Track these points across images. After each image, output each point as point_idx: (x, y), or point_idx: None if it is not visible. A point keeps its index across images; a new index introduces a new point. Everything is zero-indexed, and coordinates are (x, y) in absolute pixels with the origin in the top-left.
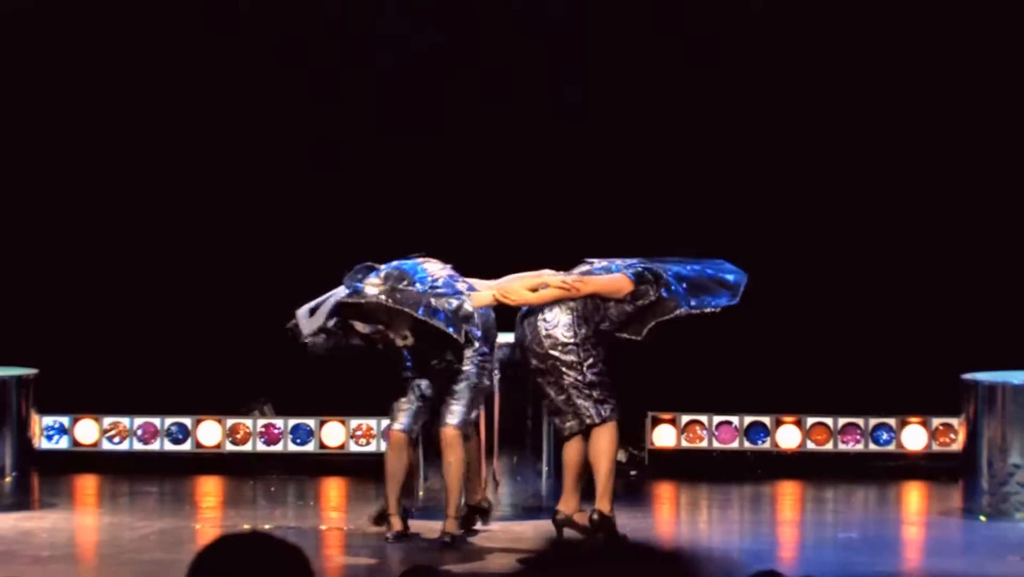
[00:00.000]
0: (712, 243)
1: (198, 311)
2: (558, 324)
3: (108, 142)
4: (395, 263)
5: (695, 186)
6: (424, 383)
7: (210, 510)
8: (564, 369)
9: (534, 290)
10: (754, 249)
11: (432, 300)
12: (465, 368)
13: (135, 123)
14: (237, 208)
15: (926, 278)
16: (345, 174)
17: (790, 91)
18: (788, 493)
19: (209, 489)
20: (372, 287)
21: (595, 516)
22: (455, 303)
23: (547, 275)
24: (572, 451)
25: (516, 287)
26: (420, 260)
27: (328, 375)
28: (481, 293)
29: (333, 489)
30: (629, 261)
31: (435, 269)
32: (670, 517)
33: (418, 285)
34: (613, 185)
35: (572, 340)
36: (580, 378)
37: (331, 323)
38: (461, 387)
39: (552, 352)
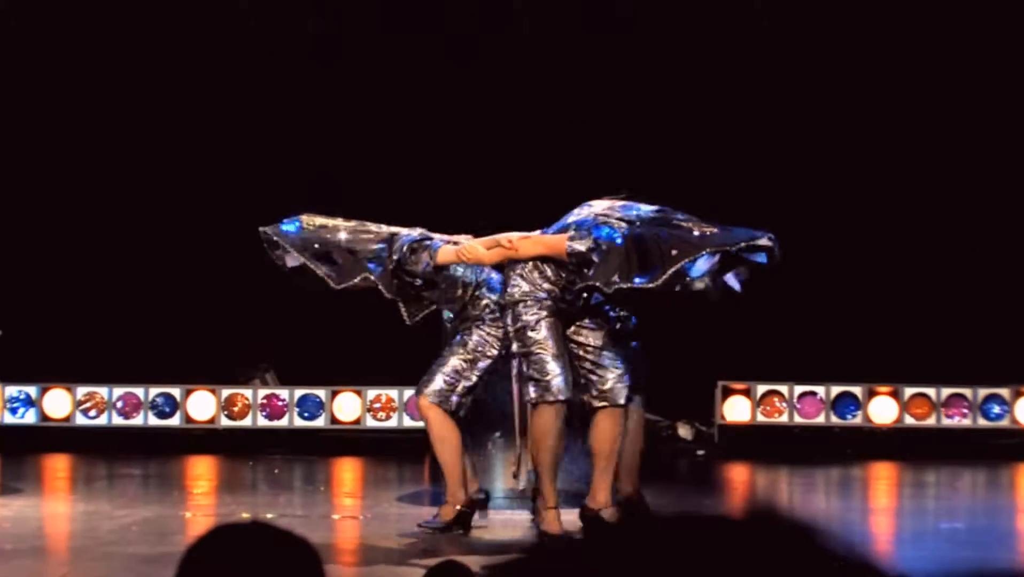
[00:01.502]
0: (795, 200)
1: (188, 263)
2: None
3: (84, 113)
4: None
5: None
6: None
7: (202, 496)
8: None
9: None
10: (845, 200)
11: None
12: (468, 334)
13: (110, 92)
14: (221, 155)
15: None
16: (351, 127)
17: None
18: (882, 476)
19: (201, 471)
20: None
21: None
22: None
23: (508, 236)
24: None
25: (473, 244)
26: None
27: (340, 337)
28: (447, 248)
29: (347, 471)
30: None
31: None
32: (743, 504)
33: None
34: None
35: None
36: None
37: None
38: (445, 353)
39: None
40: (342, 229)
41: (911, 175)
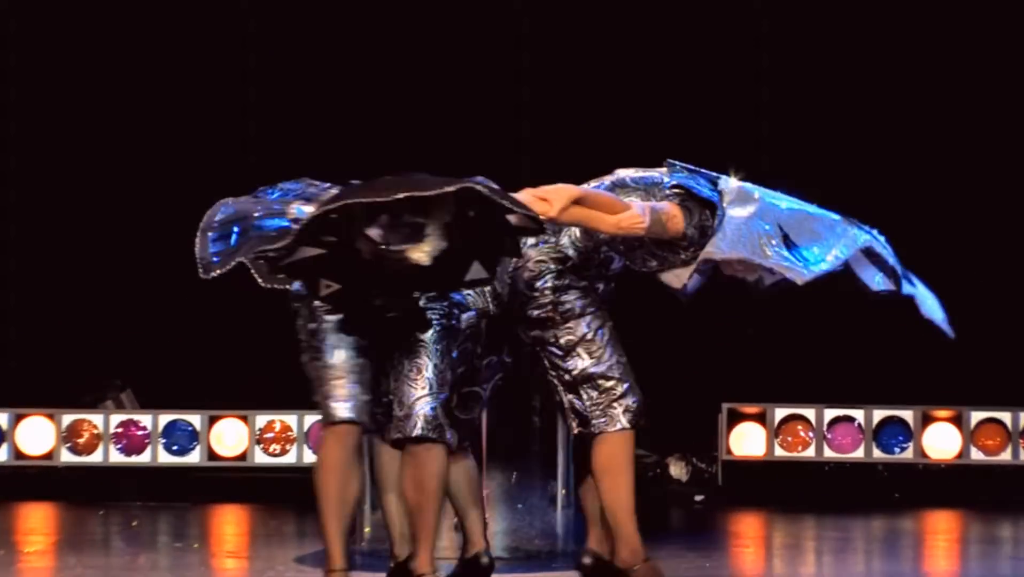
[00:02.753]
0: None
1: (26, 257)
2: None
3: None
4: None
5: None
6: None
7: (36, 557)
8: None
9: None
10: (895, 187)
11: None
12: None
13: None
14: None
15: None
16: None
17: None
18: (941, 529)
19: (35, 524)
20: None
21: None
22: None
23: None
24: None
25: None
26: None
27: (221, 348)
28: None
29: (229, 523)
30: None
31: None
32: (755, 568)
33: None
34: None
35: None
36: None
37: None
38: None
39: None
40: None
41: (962, 164)
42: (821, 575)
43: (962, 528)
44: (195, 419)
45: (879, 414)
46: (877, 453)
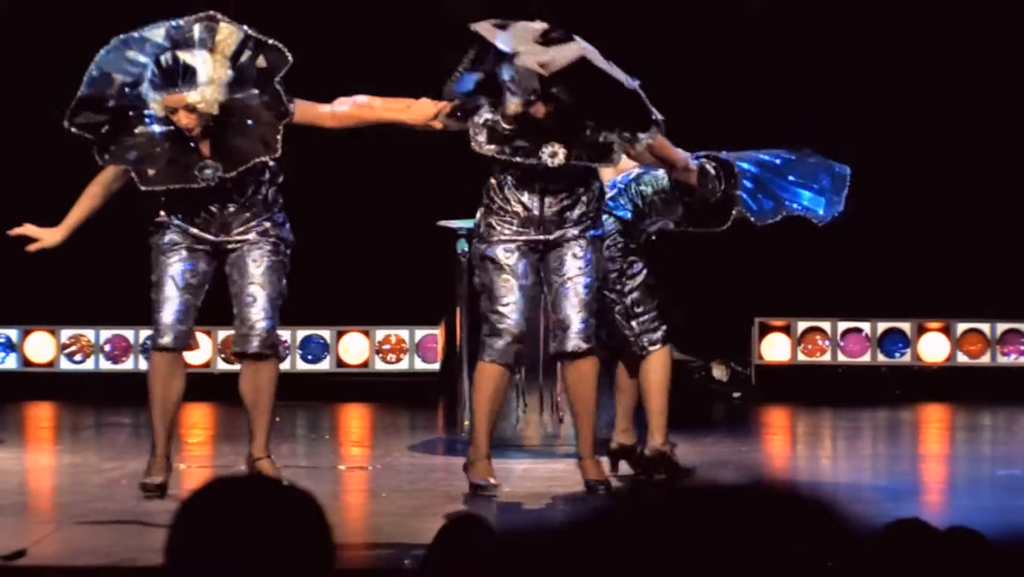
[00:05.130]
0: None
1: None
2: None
3: None
4: None
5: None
6: None
7: (198, 446)
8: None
9: None
10: (893, 124)
11: None
12: None
13: None
14: None
15: None
16: None
17: None
18: (933, 419)
19: (196, 420)
20: None
21: (648, 452)
22: None
23: None
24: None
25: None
26: None
27: (346, 274)
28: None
29: (354, 418)
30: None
31: None
32: (783, 450)
33: None
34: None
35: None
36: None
37: None
38: None
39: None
40: None
41: (959, 104)
42: (836, 456)
43: (951, 418)
44: (326, 333)
45: (882, 325)
46: (881, 358)
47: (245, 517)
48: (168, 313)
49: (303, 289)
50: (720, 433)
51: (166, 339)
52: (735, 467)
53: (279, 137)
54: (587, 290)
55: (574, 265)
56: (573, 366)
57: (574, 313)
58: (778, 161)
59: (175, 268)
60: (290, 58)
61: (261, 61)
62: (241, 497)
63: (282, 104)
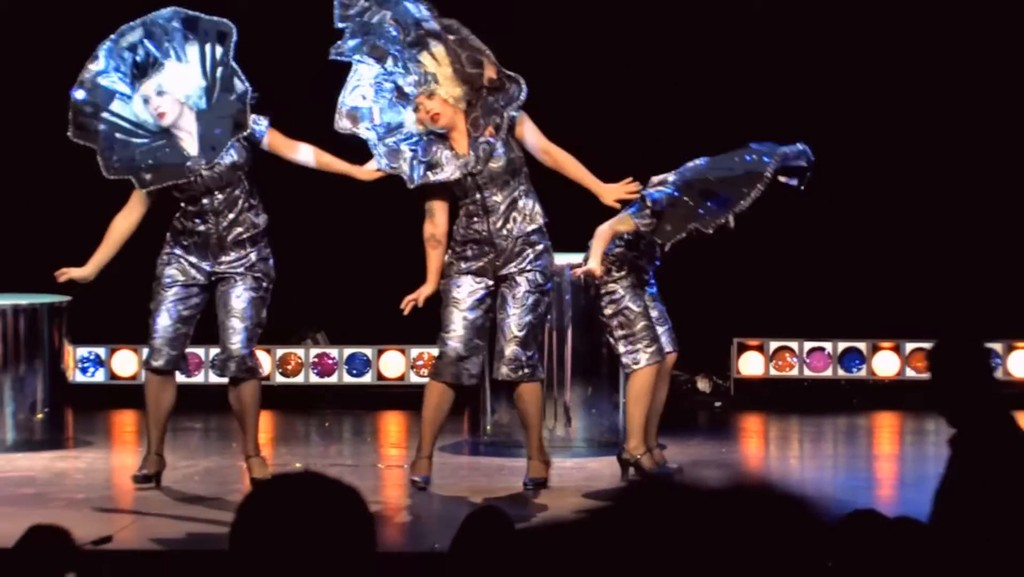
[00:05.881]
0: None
1: None
2: None
3: None
4: None
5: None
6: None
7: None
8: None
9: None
10: (851, 150)
11: None
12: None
13: None
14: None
15: None
16: None
17: None
18: (886, 425)
19: (261, 425)
20: None
21: (623, 455)
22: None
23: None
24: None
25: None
26: None
27: (385, 300)
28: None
29: (392, 424)
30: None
31: None
32: (758, 451)
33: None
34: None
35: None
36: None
37: None
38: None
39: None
40: None
41: (920, 127)
42: (803, 456)
43: (900, 424)
44: (368, 351)
45: (842, 345)
46: (841, 372)
47: (300, 507)
48: (162, 340)
49: (348, 313)
50: (704, 437)
51: (159, 362)
52: (717, 465)
53: (248, 114)
54: (523, 323)
55: (513, 301)
56: (515, 389)
57: (506, 343)
58: (700, 162)
59: (171, 302)
60: (234, 31)
61: (219, 50)
62: (296, 490)
63: (242, 82)
